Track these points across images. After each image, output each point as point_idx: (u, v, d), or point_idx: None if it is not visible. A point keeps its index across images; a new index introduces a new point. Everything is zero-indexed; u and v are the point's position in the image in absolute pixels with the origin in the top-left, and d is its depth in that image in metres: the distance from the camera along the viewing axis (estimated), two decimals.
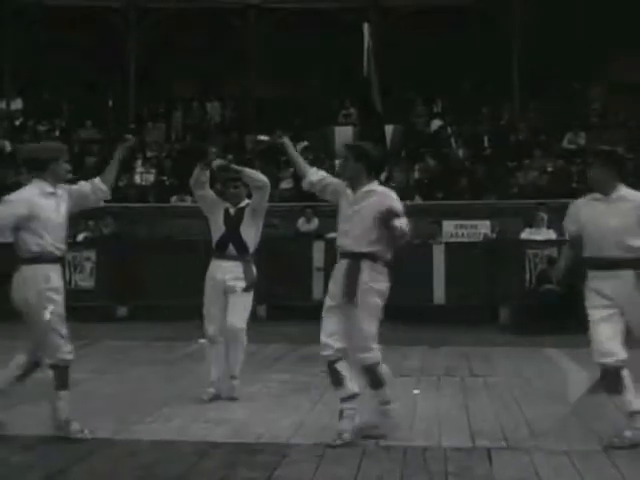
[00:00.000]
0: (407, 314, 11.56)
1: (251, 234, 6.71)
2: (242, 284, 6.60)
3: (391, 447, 5.19)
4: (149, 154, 18.88)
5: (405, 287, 11.53)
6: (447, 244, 13.12)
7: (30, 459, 4.96)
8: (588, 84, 19.15)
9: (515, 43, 19.08)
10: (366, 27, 12.27)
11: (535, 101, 18.93)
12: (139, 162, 18.21)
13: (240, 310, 6.60)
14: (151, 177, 18.06)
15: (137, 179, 17.94)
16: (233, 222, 6.69)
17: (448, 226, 13.91)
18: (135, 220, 15.70)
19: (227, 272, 6.62)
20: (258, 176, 6.70)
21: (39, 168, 5.47)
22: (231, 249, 6.66)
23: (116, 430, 5.61)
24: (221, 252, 6.68)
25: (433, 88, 19.30)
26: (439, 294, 12.32)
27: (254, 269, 6.74)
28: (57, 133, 20.00)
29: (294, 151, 5.87)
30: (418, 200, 16.34)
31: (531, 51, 18.34)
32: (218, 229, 6.73)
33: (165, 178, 18.09)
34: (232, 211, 6.74)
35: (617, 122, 18.49)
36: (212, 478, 4.66)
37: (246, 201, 6.80)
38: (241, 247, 6.67)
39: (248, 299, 6.68)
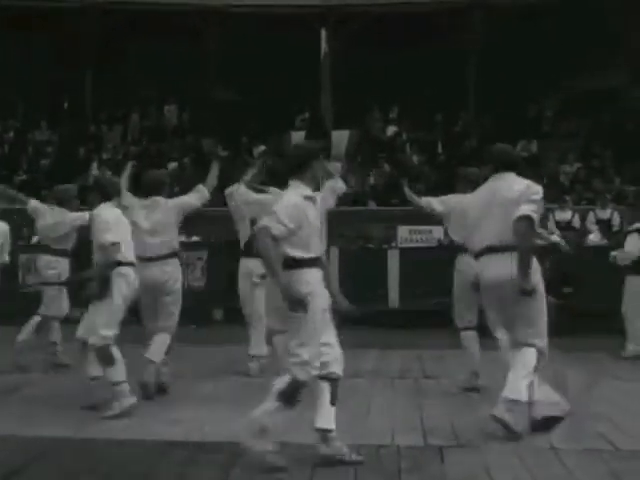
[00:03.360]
0: (362, 317, 11.65)
1: None
2: None
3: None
4: (105, 156, 18.76)
5: (361, 291, 11.70)
6: (402, 249, 13.25)
7: None
8: (542, 94, 19.47)
9: (471, 51, 19.37)
10: (323, 33, 12.38)
11: (489, 109, 19.20)
12: (95, 165, 18.07)
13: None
14: None
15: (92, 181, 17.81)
16: None
17: (403, 231, 14.05)
18: None
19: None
20: None
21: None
22: None
23: (76, 428, 5.62)
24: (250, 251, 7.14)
25: (389, 94, 19.48)
26: (393, 298, 12.45)
27: None
28: (11, 134, 19.83)
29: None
30: (373, 205, 16.48)
31: (487, 59, 18.63)
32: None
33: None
34: None
35: (569, 131, 18.83)
36: (172, 477, 4.71)
37: None
38: None
39: None
